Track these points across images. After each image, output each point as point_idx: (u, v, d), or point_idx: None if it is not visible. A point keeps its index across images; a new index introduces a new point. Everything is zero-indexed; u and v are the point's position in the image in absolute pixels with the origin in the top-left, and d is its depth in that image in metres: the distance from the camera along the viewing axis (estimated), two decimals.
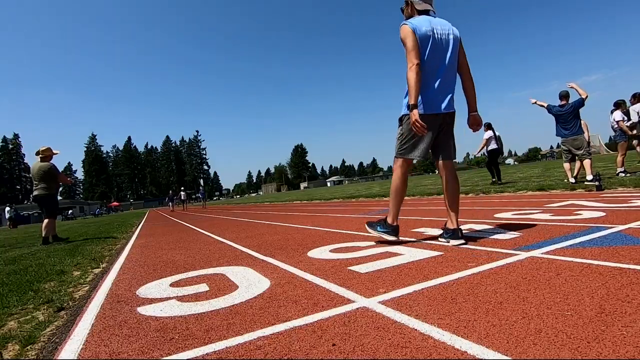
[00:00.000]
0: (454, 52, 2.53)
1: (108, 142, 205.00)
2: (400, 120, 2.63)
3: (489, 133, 9.64)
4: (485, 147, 9.78)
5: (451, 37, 2.53)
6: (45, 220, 6.12)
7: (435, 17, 2.63)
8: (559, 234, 2.49)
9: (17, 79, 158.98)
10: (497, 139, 9.70)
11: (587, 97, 6.23)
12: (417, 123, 2.35)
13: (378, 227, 2.77)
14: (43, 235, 6.07)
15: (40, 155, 6.13)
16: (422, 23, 2.49)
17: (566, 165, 6.71)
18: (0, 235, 13.44)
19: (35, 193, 6.06)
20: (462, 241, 2.46)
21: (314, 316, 1.40)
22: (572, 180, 6.43)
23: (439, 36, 2.49)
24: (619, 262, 1.67)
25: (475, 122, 2.63)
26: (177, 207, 27.38)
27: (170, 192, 28.19)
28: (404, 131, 2.58)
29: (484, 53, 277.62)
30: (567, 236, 2.38)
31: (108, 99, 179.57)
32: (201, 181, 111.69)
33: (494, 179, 9.59)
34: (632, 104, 7.29)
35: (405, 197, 2.73)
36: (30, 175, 6.19)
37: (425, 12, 2.62)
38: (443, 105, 2.48)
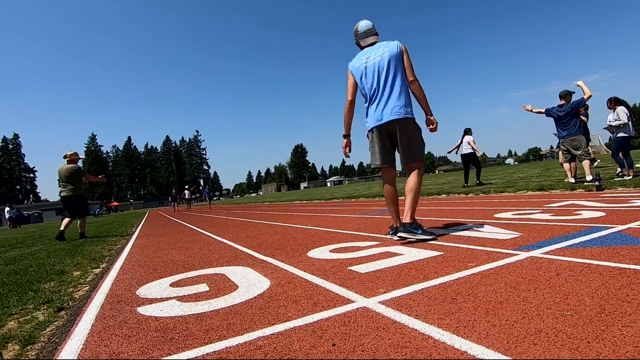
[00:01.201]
0: (390, 70, 2.80)
1: (108, 142, 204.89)
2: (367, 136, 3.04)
3: (468, 137, 10.09)
4: (456, 150, 10.33)
5: (385, 56, 2.82)
6: (79, 220, 6.63)
7: (376, 42, 2.97)
8: (559, 234, 2.49)
9: (17, 79, 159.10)
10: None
11: (590, 96, 6.11)
12: (344, 149, 3.09)
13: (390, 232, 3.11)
14: (80, 231, 6.61)
15: (68, 159, 6.57)
16: (356, 61, 2.97)
17: (566, 166, 6.70)
18: (0, 235, 13.44)
19: (63, 194, 6.40)
20: (396, 238, 2.76)
21: (314, 316, 1.40)
22: (572, 180, 6.43)
23: (372, 62, 2.86)
24: (619, 262, 1.67)
25: (428, 123, 2.93)
26: (181, 206, 24.87)
27: (174, 190, 24.74)
28: (369, 146, 3.01)
29: (484, 53, 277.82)
30: (567, 236, 2.38)
31: (108, 99, 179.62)
32: (201, 181, 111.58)
33: (465, 184, 10.00)
34: (609, 107, 7.23)
35: (405, 198, 2.81)
36: (58, 177, 6.57)
37: (370, 45, 2.97)
38: (384, 118, 2.80)
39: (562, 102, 6.51)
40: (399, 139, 2.82)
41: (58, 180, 6.52)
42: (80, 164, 6.85)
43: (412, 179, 2.83)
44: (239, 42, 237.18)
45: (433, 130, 2.92)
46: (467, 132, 10.17)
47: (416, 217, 2.84)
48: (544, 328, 1.09)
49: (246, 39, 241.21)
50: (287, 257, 2.66)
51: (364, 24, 3.01)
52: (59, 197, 6.52)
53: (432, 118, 2.89)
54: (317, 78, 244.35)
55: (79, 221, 6.67)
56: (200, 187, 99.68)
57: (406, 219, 2.73)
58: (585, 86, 6.15)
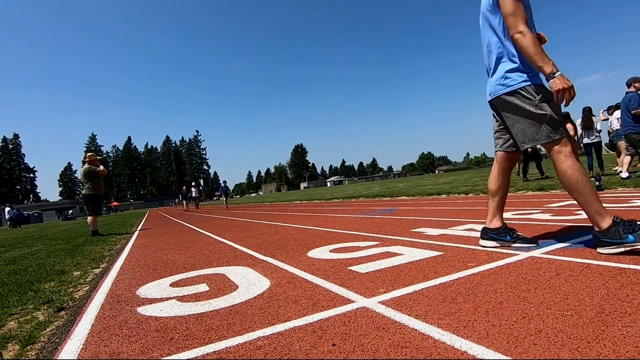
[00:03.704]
0: (484, 29, 2.16)
1: (108, 142, 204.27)
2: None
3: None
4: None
5: (482, 9, 2.15)
6: (89, 218, 7.12)
7: None
8: (559, 234, 2.49)
9: (17, 79, 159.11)
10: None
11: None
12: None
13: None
14: (92, 229, 7.10)
15: (86, 160, 7.17)
16: None
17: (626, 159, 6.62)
18: (0, 235, 13.44)
19: (83, 192, 7.18)
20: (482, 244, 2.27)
21: (314, 316, 1.40)
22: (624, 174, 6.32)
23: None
24: (619, 262, 1.67)
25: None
26: (189, 205, 22.18)
27: (184, 187, 22.16)
28: None
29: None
30: (567, 236, 2.38)
31: (108, 99, 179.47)
32: (201, 181, 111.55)
33: (525, 179, 9.05)
34: (610, 114, 7.30)
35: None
36: (80, 178, 7.36)
37: None
38: (487, 96, 2.19)
39: (631, 89, 5.80)
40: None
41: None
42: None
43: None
44: (240, 41, 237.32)
45: (557, 99, 1.82)
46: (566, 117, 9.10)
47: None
48: (544, 328, 1.09)
49: (247, 38, 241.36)
50: (287, 257, 2.66)
51: None
52: (81, 196, 7.34)
53: (551, 82, 1.81)
54: (318, 78, 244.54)
55: (89, 219, 7.09)
56: (201, 187, 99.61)
57: (488, 222, 2.27)
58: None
